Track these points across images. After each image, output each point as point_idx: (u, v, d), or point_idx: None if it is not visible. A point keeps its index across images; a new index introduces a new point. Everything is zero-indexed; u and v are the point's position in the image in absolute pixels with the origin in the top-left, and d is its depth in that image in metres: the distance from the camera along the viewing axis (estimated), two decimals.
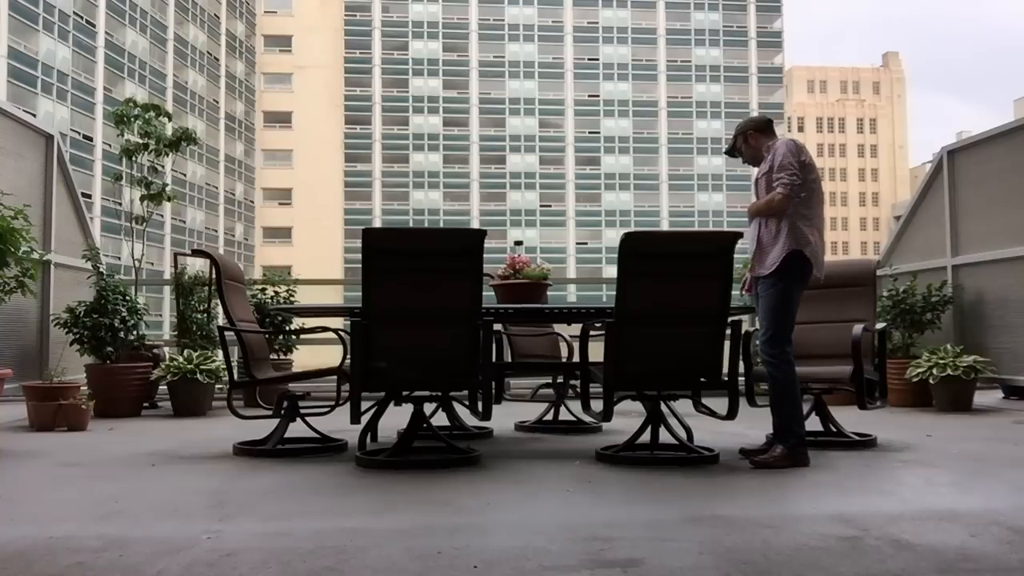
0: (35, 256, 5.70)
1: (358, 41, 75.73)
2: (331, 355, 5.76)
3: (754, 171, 4.44)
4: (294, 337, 7.48)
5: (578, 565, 2.37)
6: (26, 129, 7.01)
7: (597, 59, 77.20)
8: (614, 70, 77.05)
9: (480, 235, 4.02)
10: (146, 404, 6.88)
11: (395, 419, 4.57)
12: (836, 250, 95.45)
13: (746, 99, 77.25)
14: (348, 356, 4.14)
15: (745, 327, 5.04)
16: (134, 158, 7.33)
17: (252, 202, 73.58)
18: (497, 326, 4.94)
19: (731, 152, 4.51)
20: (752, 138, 4.37)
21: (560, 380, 5.73)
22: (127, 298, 6.79)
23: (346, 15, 75.79)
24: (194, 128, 8.25)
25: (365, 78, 75.37)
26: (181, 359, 6.64)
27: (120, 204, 9.21)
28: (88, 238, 7.89)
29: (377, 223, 66.65)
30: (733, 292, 4.35)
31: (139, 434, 5.52)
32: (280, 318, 7.32)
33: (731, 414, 4.17)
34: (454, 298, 4.04)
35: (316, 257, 67.42)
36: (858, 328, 4.65)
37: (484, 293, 4.15)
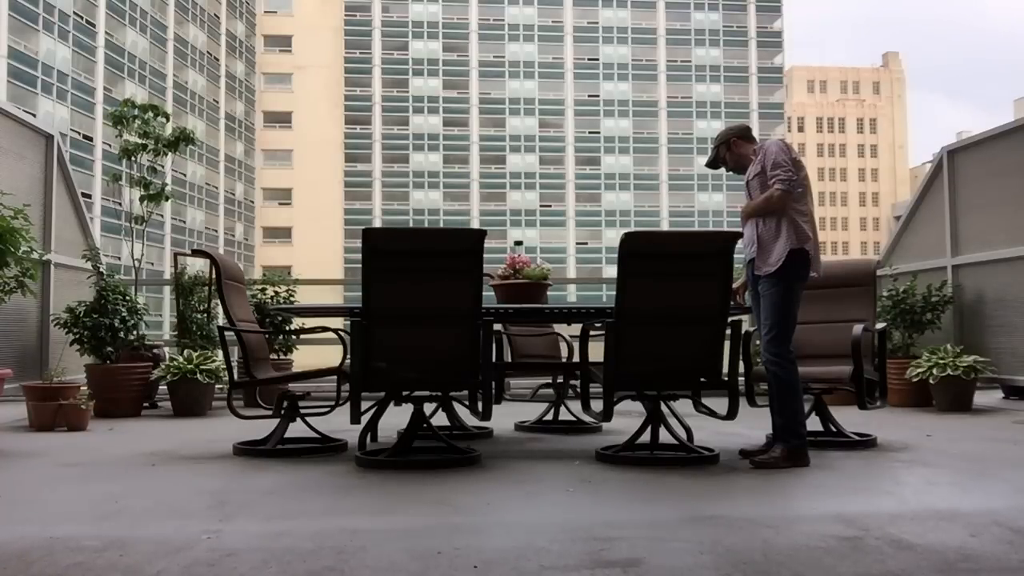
0: (35, 256, 5.70)
1: (358, 41, 75.73)
2: (331, 355, 5.76)
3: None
4: (294, 337, 7.48)
5: (578, 565, 2.37)
6: (26, 129, 7.01)
7: (597, 59, 77.21)
8: (614, 70, 77.05)
9: (480, 235, 4.02)
10: (146, 404, 6.88)
11: (395, 419, 4.57)
12: (836, 250, 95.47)
13: (746, 99, 77.28)
14: (348, 356, 4.15)
15: (745, 327, 5.05)
16: (133, 158, 7.33)
17: (252, 202, 73.59)
18: (497, 326, 4.94)
19: (714, 163, 4.52)
20: (736, 145, 4.39)
21: (560, 380, 5.73)
22: (127, 298, 6.79)
23: (346, 15, 75.80)
24: (194, 128, 8.25)
25: (365, 78, 75.38)
26: (181, 359, 6.64)
27: (120, 204, 9.20)
28: (88, 238, 7.89)
29: (377, 223, 66.63)
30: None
31: (139, 434, 5.52)
32: (280, 318, 7.32)
33: (731, 414, 4.17)
34: (454, 298, 4.04)
35: (316, 257, 67.42)
36: (858, 328, 4.65)
37: (484, 293, 4.15)
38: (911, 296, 7.15)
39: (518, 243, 7.12)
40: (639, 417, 4.41)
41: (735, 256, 4.13)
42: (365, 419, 4.19)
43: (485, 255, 4.01)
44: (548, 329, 6.07)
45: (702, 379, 4.19)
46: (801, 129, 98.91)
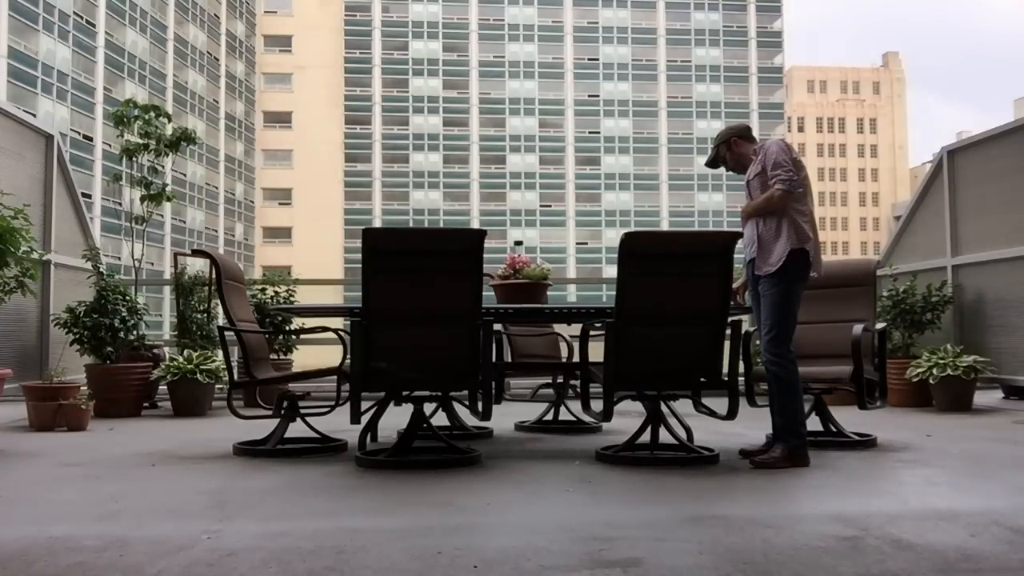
0: (35, 256, 5.70)
1: (358, 41, 75.73)
2: (331, 355, 5.76)
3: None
4: (294, 337, 7.48)
5: (578, 565, 2.37)
6: (26, 129, 7.01)
7: (597, 59, 77.21)
8: (614, 70, 77.05)
9: (480, 235, 4.02)
10: (146, 404, 6.88)
11: (395, 419, 4.57)
12: (836, 250, 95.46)
13: (746, 99, 77.27)
14: (348, 356, 4.14)
15: (745, 327, 5.04)
16: (134, 158, 7.33)
17: (252, 202, 73.59)
18: (497, 326, 4.94)
19: (713, 162, 4.52)
20: (736, 144, 4.39)
21: (560, 380, 5.73)
22: (127, 298, 6.79)
23: (346, 15, 75.80)
24: (194, 128, 8.24)
25: (365, 78, 75.38)
26: (181, 359, 6.64)
27: (120, 204, 9.20)
28: (88, 238, 7.89)
29: (377, 223, 66.62)
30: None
31: (139, 434, 5.52)
32: (280, 318, 7.32)
33: (731, 414, 4.17)
34: (454, 298, 4.04)
35: (316, 257, 67.42)
36: (858, 328, 4.64)
37: (484, 293, 4.15)
38: (911, 296, 7.15)
39: (518, 243, 7.12)
40: (639, 417, 4.41)
41: (735, 256, 4.13)
42: (365, 419, 4.19)
43: (485, 255, 4.01)
44: (548, 329, 6.07)
45: (702, 379, 4.19)
46: (801, 129, 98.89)
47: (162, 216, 53.45)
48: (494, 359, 4.71)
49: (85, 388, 6.04)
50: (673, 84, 77.19)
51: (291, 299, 7.71)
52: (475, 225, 28.49)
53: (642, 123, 76.81)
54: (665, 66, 77.20)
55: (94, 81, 53.72)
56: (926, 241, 7.99)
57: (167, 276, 13.10)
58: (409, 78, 75.88)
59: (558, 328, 6.03)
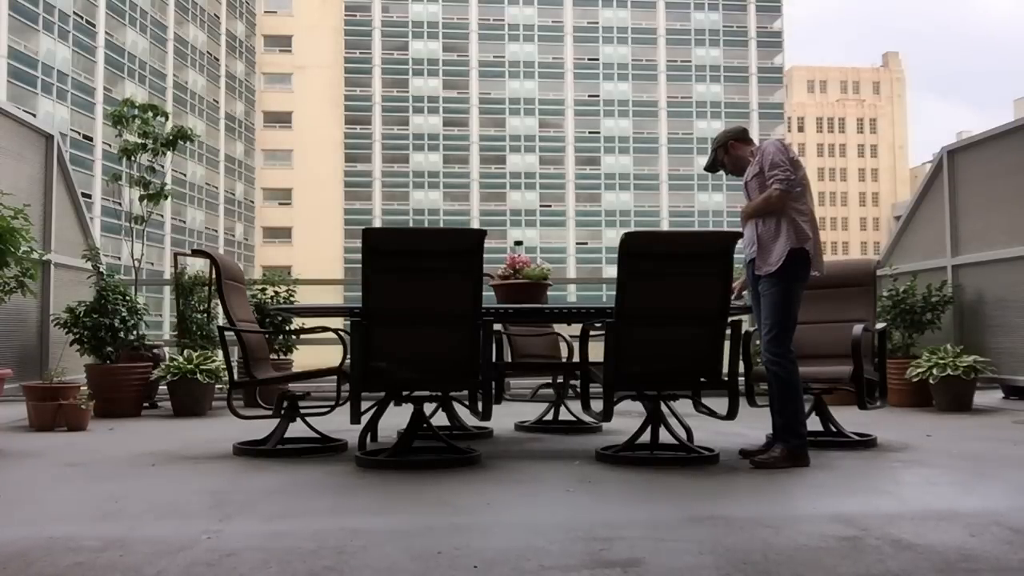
0: (35, 256, 5.70)
1: (358, 41, 75.74)
2: (331, 355, 5.76)
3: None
4: (294, 337, 7.48)
5: (578, 565, 2.37)
6: (26, 129, 7.01)
7: (597, 59, 77.21)
8: (614, 70, 77.05)
9: (480, 235, 4.02)
10: (146, 404, 6.88)
11: (395, 419, 4.58)
12: (836, 250, 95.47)
13: (746, 99, 77.27)
14: (348, 356, 4.15)
15: (745, 327, 5.05)
16: (133, 158, 7.33)
17: (252, 202, 73.58)
18: (497, 326, 4.94)
19: (712, 166, 4.53)
20: (733, 147, 4.40)
21: (560, 380, 5.74)
22: (127, 298, 6.79)
23: (346, 15, 75.80)
24: (193, 128, 8.24)
25: (365, 78, 75.38)
26: (181, 359, 6.64)
27: (120, 204, 9.20)
28: (88, 238, 7.89)
29: (377, 223, 66.62)
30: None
31: (139, 434, 5.52)
32: (280, 318, 7.32)
33: (731, 414, 4.17)
34: (454, 298, 4.04)
35: (316, 257, 67.43)
36: (858, 328, 4.64)
37: (484, 293, 4.15)
38: (911, 296, 7.15)
39: (518, 243, 7.11)
40: (639, 417, 4.41)
41: (735, 256, 4.13)
42: (365, 419, 4.19)
43: (485, 255, 4.01)
44: (548, 329, 6.07)
45: (702, 379, 4.19)
46: (801, 129, 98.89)
47: (162, 216, 53.48)
48: (494, 359, 4.71)
49: (85, 388, 6.04)
50: (673, 84, 77.20)
51: (291, 299, 7.71)
52: (475, 225, 28.49)
53: (642, 123, 76.81)
54: (665, 66, 77.20)
55: (94, 81, 53.72)
56: (926, 241, 7.99)
57: (167, 276, 13.11)
58: (409, 78, 75.88)
59: (558, 328, 6.03)
